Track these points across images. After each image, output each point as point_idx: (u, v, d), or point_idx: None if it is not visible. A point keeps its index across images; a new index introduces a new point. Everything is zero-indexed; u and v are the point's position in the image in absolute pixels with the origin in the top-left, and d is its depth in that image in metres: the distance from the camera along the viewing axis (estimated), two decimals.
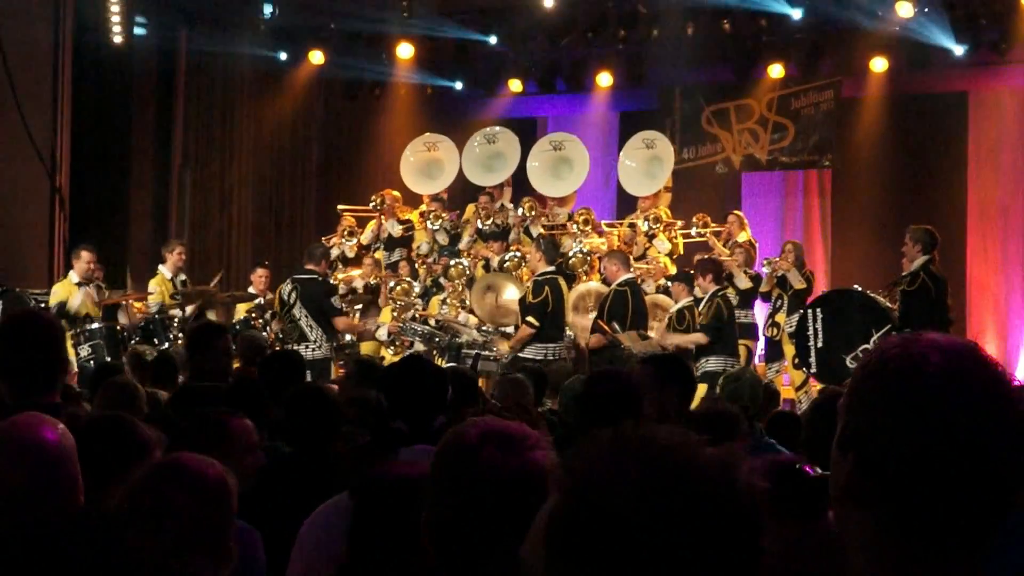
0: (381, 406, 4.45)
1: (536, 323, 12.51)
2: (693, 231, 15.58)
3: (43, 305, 12.62)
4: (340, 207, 16.96)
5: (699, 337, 12.27)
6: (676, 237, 15.36)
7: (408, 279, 15.09)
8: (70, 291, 12.47)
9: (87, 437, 3.79)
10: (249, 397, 5.62)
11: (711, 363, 12.22)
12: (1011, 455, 1.59)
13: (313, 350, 12.42)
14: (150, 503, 3.05)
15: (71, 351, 11.82)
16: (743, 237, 15.10)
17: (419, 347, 13.51)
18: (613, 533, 1.44)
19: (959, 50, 16.66)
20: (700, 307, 12.50)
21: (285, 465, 5.08)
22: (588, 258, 14.51)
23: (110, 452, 3.68)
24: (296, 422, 5.18)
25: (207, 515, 3.10)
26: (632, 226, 15.43)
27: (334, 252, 15.61)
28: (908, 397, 1.61)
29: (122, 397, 5.84)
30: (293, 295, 12.71)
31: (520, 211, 15.52)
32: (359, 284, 14.77)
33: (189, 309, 12.96)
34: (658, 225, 15.16)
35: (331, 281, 13.79)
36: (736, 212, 15.77)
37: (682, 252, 15.31)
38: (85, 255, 12.65)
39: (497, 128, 17.15)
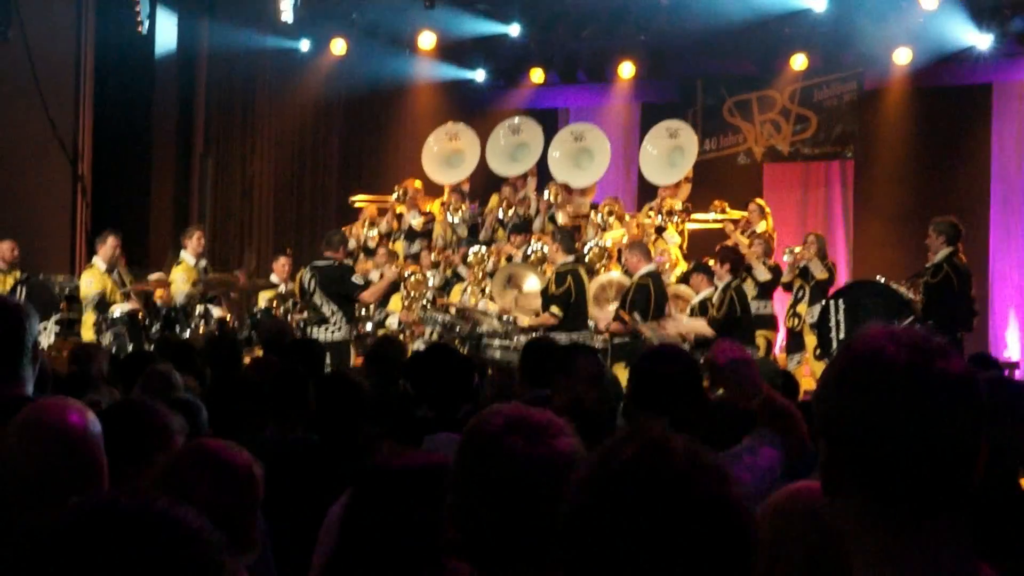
0: (407, 393, 4.45)
1: (559, 313, 12.51)
2: (710, 216, 15.51)
3: (66, 292, 12.68)
4: (352, 198, 17.00)
5: (705, 329, 12.22)
6: (684, 230, 15.31)
7: (423, 271, 15.06)
8: (104, 282, 12.51)
9: (109, 422, 3.80)
10: (289, 386, 5.62)
11: None
12: (956, 431, 1.67)
13: (332, 332, 12.51)
14: (176, 489, 3.05)
15: (92, 337, 11.88)
16: (763, 227, 15.04)
17: (432, 336, 13.52)
18: (608, 537, 1.51)
19: (983, 42, 16.58)
20: (714, 297, 12.46)
21: (312, 453, 5.09)
22: (606, 252, 14.47)
23: (131, 438, 3.67)
24: (324, 410, 5.18)
25: (233, 503, 3.10)
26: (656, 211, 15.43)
27: (354, 242, 15.61)
28: (851, 378, 1.72)
29: (161, 385, 5.84)
30: (312, 282, 12.76)
31: (546, 195, 15.49)
32: (375, 275, 14.75)
33: (217, 312, 12.97)
34: (671, 217, 15.12)
35: (348, 265, 13.77)
36: (757, 200, 15.69)
37: (686, 245, 15.25)
38: (111, 240, 12.68)
39: (519, 119, 17.14)
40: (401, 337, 14.14)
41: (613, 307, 13.06)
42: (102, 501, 1.43)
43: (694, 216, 15.61)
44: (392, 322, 14.52)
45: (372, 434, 4.57)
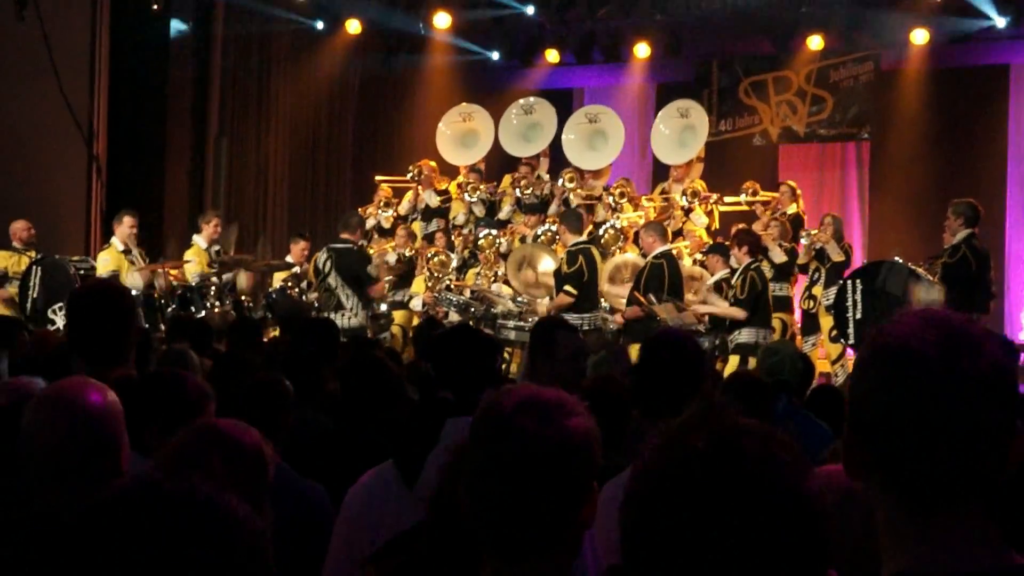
0: (429, 375, 4.42)
1: (574, 292, 12.50)
2: (742, 198, 15.45)
3: (81, 272, 12.69)
4: (378, 178, 16.95)
5: (736, 312, 12.24)
6: (713, 211, 15.27)
7: (446, 251, 15.09)
8: (120, 262, 12.56)
9: (145, 391, 3.84)
10: (301, 369, 5.63)
11: (744, 335, 12.21)
12: (981, 425, 1.65)
13: (349, 318, 12.53)
14: (188, 468, 3.05)
15: None
16: (792, 209, 14.96)
17: (454, 317, 13.53)
18: (672, 529, 1.47)
19: (1001, 22, 16.50)
20: (734, 280, 12.45)
21: (326, 436, 5.09)
22: (621, 234, 14.45)
23: (167, 406, 3.75)
24: (352, 391, 5.16)
25: (243, 482, 3.10)
26: (666, 197, 15.38)
27: (370, 223, 15.61)
28: (879, 367, 1.70)
29: (177, 366, 5.86)
30: (328, 264, 12.77)
31: (560, 182, 15.47)
32: (391, 257, 14.75)
33: (226, 277, 13.05)
34: (695, 199, 15.09)
35: (366, 250, 13.80)
36: (789, 183, 15.56)
37: (718, 226, 15.22)
38: (127, 219, 12.74)
39: (533, 99, 17.10)
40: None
41: (626, 289, 13.05)
42: (146, 483, 1.42)
43: (729, 199, 15.53)
44: (416, 304, 14.54)
45: (395, 417, 4.56)
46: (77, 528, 1.38)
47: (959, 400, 1.64)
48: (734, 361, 12.13)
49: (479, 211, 15.76)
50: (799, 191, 15.30)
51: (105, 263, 12.55)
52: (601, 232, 14.42)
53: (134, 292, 12.12)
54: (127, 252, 12.68)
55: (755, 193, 15.38)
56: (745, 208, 15.43)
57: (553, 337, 5.57)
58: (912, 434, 1.65)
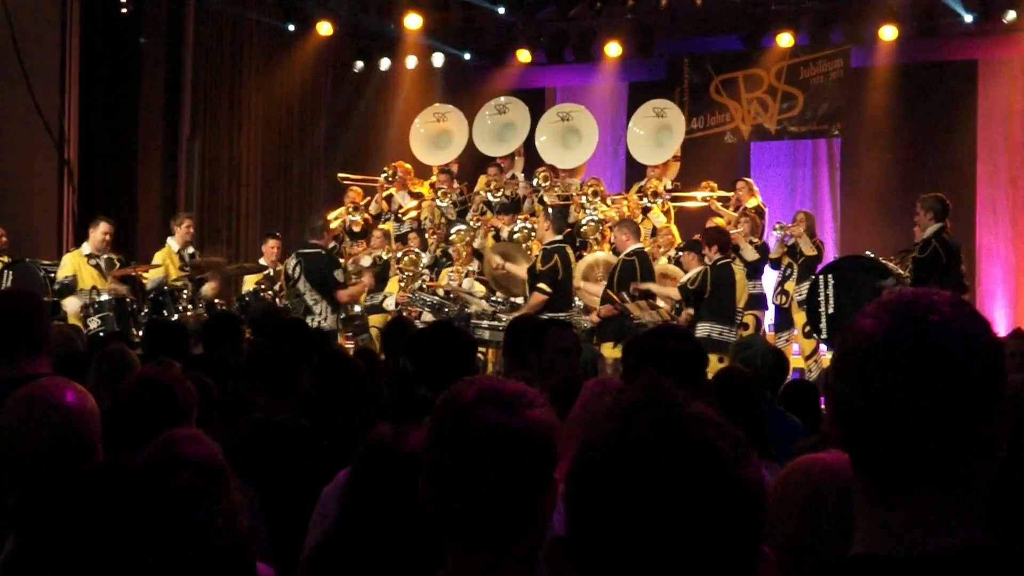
0: (407, 372, 4.43)
1: (548, 289, 12.50)
2: (699, 196, 15.55)
3: (52, 276, 12.64)
4: (340, 175, 17.00)
5: (671, 291, 12.41)
6: (670, 210, 15.35)
7: (416, 250, 15.10)
8: (79, 266, 12.48)
9: (132, 396, 3.87)
10: (278, 369, 5.63)
11: (700, 329, 12.23)
12: (926, 400, 1.62)
13: (319, 323, 12.45)
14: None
15: (79, 323, 11.86)
16: (752, 203, 15.03)
17: (427, 317, 13.53)
18: (615, 504, 1.47)
19: (968, 18, 16.59)
20: (695, 275, 12.53)
21: (301, 435, 5.10)
22: (600, 226, 14.51)
23: (153, 410, 3.78)
24: (323, 391, 5.18)
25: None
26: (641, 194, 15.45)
27: (335, 224, 15.53)
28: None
29: (117, 367, 5.84)
30: (297, 270, 12.71)
31: (535, 181, 15.50)
32: (366, 260, 14.75)
33: (207, 288, 13.01)
34: (656, 199, 15.16)
35: (334, 254, 13.76)
36: (745, 179, 15.70)
37: (675, 225, 15.31)
38: (102, 225, 12.69)
39: (506, 99, 17.12)
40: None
41: (601, 287, 13.08)
42: (114, 463, 1.44)
43: (683, 194, 15.66)
44: (389, 303, 14.54)
45: (369, 415, 4.56)
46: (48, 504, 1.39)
47: (904, 380, 1.62)
48: None
49: (451, 214, 15.76)
50: (755, 187, 15.42)
51: (63, 267, 12.52)
52: (582, 223, 14.50)
53: (105, 297, 12.12)
54: (93, 257, 12.60)
55: (712, 191, 15.49)
56: (704, 204, 15.53)
57: (545, 334, 5.61)
58: (863, 415, 1.65)
